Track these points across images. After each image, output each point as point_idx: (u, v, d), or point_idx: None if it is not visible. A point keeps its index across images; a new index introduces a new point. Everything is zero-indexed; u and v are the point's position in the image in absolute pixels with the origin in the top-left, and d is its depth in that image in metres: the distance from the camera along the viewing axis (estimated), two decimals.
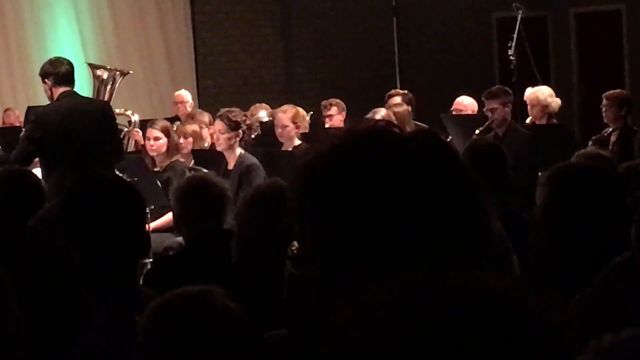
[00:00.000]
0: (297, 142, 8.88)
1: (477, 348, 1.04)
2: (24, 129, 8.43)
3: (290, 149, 8.79)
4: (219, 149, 8.39)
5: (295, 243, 1.50)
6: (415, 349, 1.04)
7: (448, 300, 1.07)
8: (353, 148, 1.44)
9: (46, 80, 8.16)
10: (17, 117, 11.82)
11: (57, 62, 8.20)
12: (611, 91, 9.52)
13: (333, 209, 1.40)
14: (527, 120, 9.96)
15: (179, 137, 9.17)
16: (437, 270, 1.12)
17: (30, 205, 4.90)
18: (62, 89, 8.07)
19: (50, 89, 8.12)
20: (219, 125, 8.32)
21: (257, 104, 11.17)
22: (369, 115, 9.25)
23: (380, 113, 9.33)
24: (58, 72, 8.07)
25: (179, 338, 2.42)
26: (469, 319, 1.05)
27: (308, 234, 1.45)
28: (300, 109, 9.18)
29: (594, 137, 9.26)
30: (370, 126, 1.49)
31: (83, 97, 8.52)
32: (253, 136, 9.28)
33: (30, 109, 9.44)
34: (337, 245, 1.40)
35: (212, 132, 9.45)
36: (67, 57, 8.51)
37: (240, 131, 8.26)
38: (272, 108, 10.80)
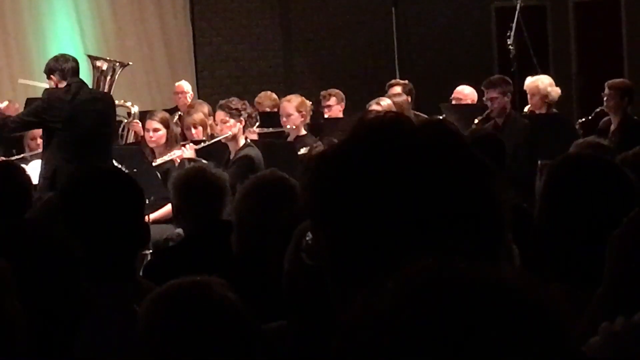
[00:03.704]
0: (303, 132, 8.88)
1: (483, 337, 1.05)
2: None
3: (293, 138, 8.82)
4: (222, 139, 8.39)
5: (310, 234, 1.49)
6: (422, 339, 1.05)
7: (456, 291, 1.08)
8: (364, 140, 1.42)
9: (52, 76, 8.19)
10: (17, 110, 11.80)
11: (62, 58, 8.24)
12: (614, 80, 9.46)
13: (346, 202, 1.39)
14: (525, 109, 9.94)
15: (188, 129, 9.19)
16: (447, 261, 1.12)
17: (18, 201, 4.89)
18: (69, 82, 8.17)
19: (57, 85, 8.16)
20: (220, 115, 8.32)
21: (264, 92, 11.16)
22: (371, 104, 9.18)
23: (384, 102, 9.25)
24: (64, 68, 8.12)
25: (178, 328, 2.42)
26: (476, 308, 1.07)
27: (321, 228, 1.44)
28: (305, 99, 9.19)
29: (580, 120, 9.19)
30: (379, 117, 1.46)
31: (90, 88, 8.68)
32: (256, 126, 9.26)
33: (29, 101, 9.45)
34: (350, 239, 1.39)
35: (211, 123, 9.44)
36: (65, 49, 8.60)
37: (242, 118, 8.25)
38: None
